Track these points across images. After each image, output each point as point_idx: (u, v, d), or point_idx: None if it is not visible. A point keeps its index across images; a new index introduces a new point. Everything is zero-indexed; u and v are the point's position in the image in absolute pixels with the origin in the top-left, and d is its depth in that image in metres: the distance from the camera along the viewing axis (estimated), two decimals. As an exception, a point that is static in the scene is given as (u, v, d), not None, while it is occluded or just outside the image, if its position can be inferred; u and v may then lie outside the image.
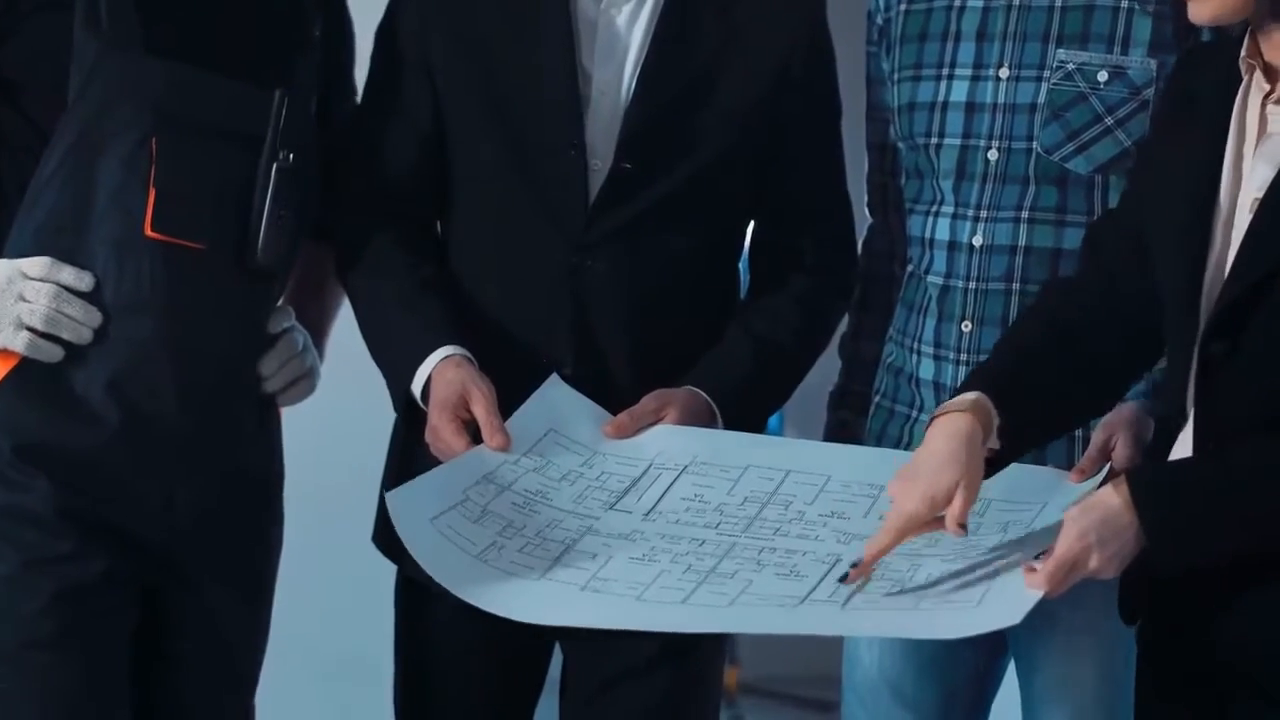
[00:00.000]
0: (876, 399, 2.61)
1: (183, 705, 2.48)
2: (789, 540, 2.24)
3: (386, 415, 2.58)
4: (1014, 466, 2.33)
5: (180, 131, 2.36)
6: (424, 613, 2.56)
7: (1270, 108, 2.11)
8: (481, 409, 2.38)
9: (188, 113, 2.36)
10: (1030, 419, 2.19)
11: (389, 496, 2.28)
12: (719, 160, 2.50)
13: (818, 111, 2.57)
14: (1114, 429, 2.31)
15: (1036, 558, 2.08)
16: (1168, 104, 2.28)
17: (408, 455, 2.52)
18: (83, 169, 2.35)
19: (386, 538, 2.53)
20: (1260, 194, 2.08)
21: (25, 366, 2.36)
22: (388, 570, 2.60)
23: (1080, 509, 2.06)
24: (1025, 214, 2.45)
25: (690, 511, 2.31)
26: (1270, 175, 2.08)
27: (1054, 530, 2.09)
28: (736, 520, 2.29)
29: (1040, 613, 2.05)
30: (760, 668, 4.66)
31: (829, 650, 4.27)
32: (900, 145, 2.58)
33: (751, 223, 2.63)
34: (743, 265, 2.65)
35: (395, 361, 2.49)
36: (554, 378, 2.47)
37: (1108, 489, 2.06)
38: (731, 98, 2.50)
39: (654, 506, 2.33)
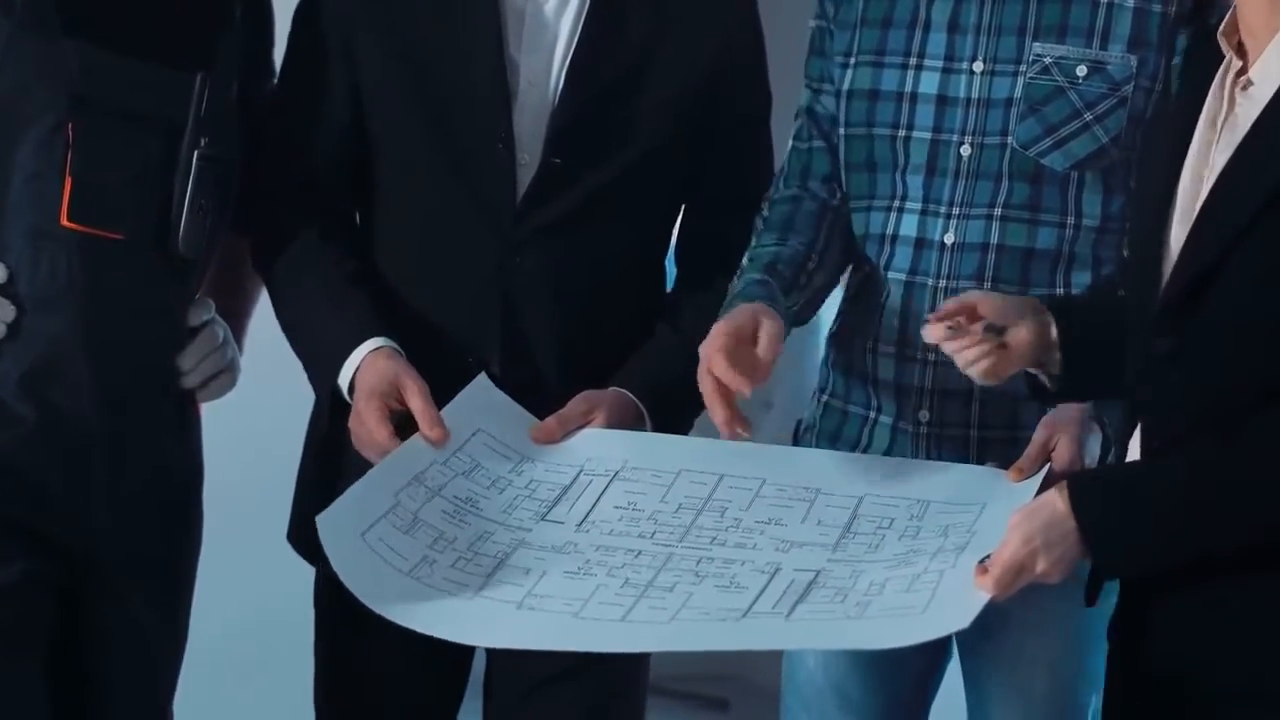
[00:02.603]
0: (824, 398, 2.53)
1: (101, 711, 2.41)
2: (726, 550, 2.20)
3: (302, 409, 2.54)
4: (951, 466, 2.34)
5: (97, 116, 2.29)
6: (345, 613, 2.44)
7: (1238, 91, 2.05)
8: (419, 400, 2.33)
9: (105, 96, 2.29)
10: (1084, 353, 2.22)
11: (320, 520, 2.21)
12: (651, 153, 2.46)
13: (749, 101, 2.53)
14: (1055, 428, 2.27)
15: (982, 561, 2.06)
16: (1166, 105, 2.23)
17: (327, 451, 2.48)
18: None
19: (303, 536, 2.51)
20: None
21: None
22: (304, 568, 2.54)
23: (1025, 512, 2.04)
24: (998, 211, 2.37)
25: (624, 521, 2.26)
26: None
27: (998, 534, 2.07)
28: (672, 529, 2.24)
29: (990, 612, 2.05)
30: (657, 666, 4.61)
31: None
32: (847, 133, 2.46)
33: (679, 216, 2.58)
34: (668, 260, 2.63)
35: (321, 354, 2.44)
36: (482, 377, 2.41)
37: (1052, 493, 2.04)
38: (663, 89, 2.45)
39: (586, 516, 2.28)
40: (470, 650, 2.55)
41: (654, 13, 2.45)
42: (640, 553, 2.20)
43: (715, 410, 2.23)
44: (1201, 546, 2.00)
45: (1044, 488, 2.15)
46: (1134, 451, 2.09)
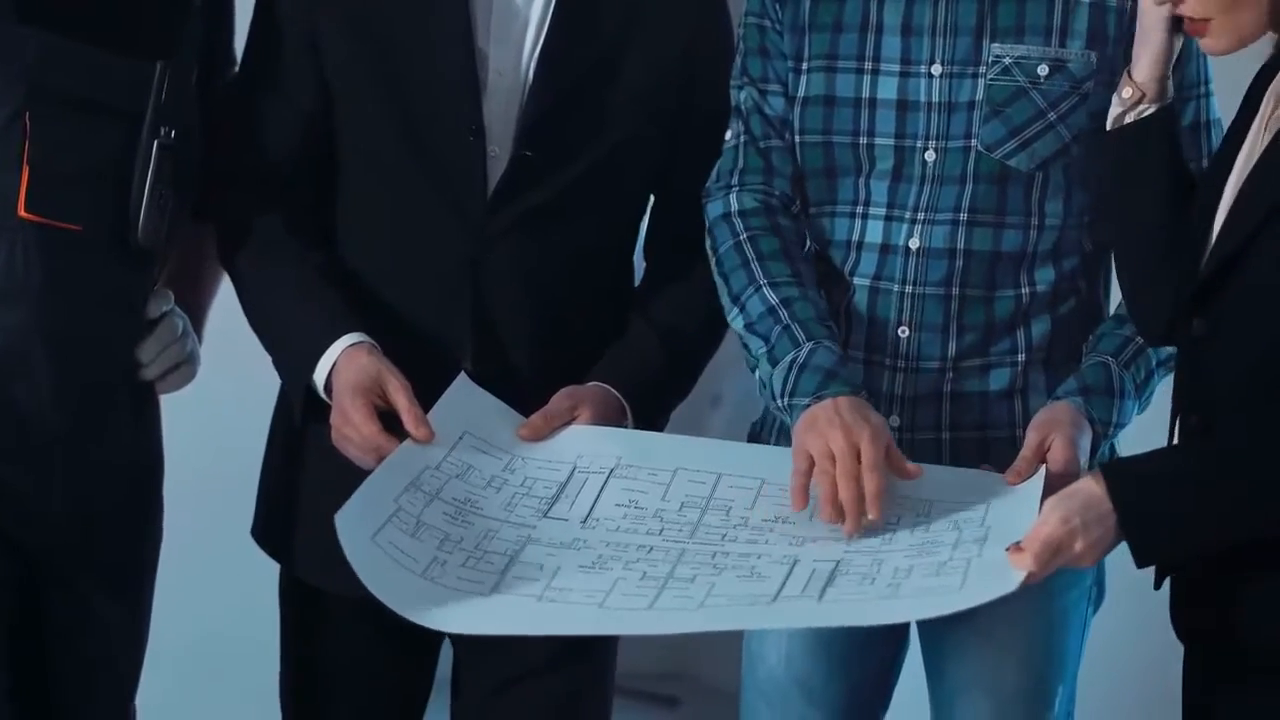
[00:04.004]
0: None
1: (65, 707, 2.37)
2: (739, 545, 2.19)
3: (266, 402, 2.53)
4: (946, 469, 2.33)
5: (55, 105, 2.24)
6: (314, 612, 2.50)
7: None
8: (404, 398, 2.30)
9: (63, 85, 2.25)
10: None
11: (338, 519, 2.15)
12: (624, 145, 2.45)
13: (720, 93, 2.49)
14: (1049, 429, 2.27)
15: (1008, 549, 2.07)
16: (1239, 112, 2.24)
17: (294, 446, 2.45)
18: None
19: (267, 533, 2.51)
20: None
21: None
22: (263, 568, 2.53)
23: (1063, 494, 2.07)
24: (964, 216, 2.37)
25: (629, 519, 2.25)
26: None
27: (1012, 528, 2.10)
28: (679, 526, 2.23)
29: None
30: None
31: (677, 647, 4.22)
32: (803, 140, 2.43)
33: (648, 208, 2.57)
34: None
35: (294, 350, 2.40)
36: (462, 377, 2.39)
37: (1089, 478, 2.08)
38: (635, 81, 2.44)
39: (590, 513, 2.26)
40: (437, 648, 2.53)
41: (624, 4, 2.43)
42: (653, 548, 2.20)
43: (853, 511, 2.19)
44: (1238, 534, 2.04)
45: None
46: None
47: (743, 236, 2.41)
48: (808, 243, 2.46)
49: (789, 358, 2.31)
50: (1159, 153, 2.22)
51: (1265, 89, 2.13)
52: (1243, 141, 2.12)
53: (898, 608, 2.06)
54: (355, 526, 2.15)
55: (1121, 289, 2.34)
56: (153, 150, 2.30)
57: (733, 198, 2.44)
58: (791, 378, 2.30)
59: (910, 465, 2.23)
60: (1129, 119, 2.22)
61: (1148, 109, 2.22)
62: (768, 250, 2.40)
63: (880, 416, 2.26)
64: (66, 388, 2.29)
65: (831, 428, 2.22)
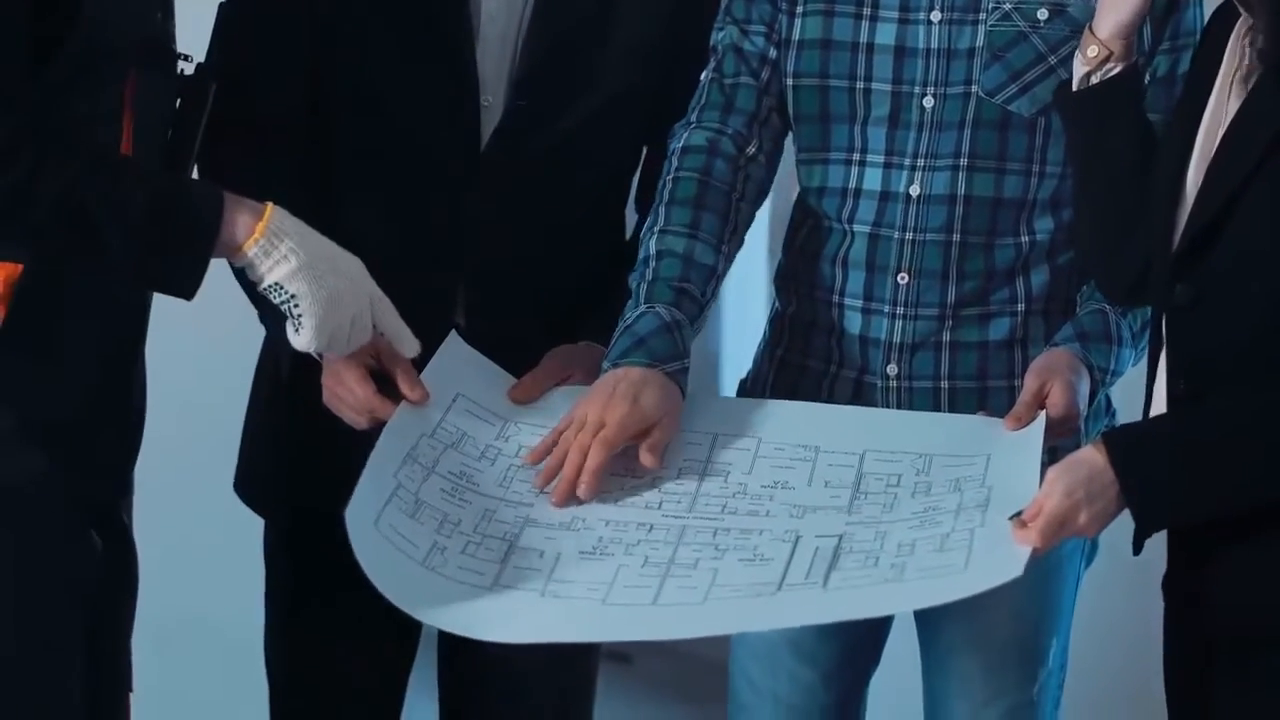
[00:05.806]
0: (778, 352, 2.49)
1: (106, 646, 2.30)
2: (739, 518, 2.16)
3: (248, 356, 2.53)
4: (946, 416, 2.33)
5: (153, 54, 2.20)
6: (302, 570, 2.49)
7: (1247, 45, 2.07)
8: (398, 359, 2.26)
9: (155, 36, 2.21)
10: None
11: (347, 515, 2.10)
12: (618, 96, 2.43)
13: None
14: (1048, 375, 2.26)
15: (1011, 518, 2.04)
16: (1196, 61, 2.21)
17: (278, 400, 2.45)
18: None
19: (250, 486, 2.51)
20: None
21: None
22: (232, 526, 2.52)
23: (1064, 466, 2.05)
24: (964, 161, 2.35)
25: (626, 489, 2.21)
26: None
27: (1014, 486, 2.08)
28: (678, 498, 2.20)
29: None
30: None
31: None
32: (796, 83, 2.40)
33: (640, 162, 2.54)
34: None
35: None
36: (453, 336, 2.36)
37: (1090, 448, 2.05)
38: (630, 31, 2.42)
39: None
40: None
41: None
42: (652, 526, 2.16)
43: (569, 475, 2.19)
44: (1240, 499, 2.03)
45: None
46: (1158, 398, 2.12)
47: (670, 176, 2.40)
48: (744, 189, 2.42)
49: (624, 319, 2.30)
50: (1127, 113, 2.20)
51: (1225, 33, 2.10)
52: (1207, 94, 2.09)
53: (903, 595, 2.02)
54: (359, 516, 2.10)
55: (1079, 249, 2.34)
56: (209, 95, 2.25)
57: (686, 134, 2.42)
58: (615, 338, 2.29)
59: (648, 462, 2.20)
60: (1095, 79, 2.20)
61: (1114, 68, 2.19)
62: (681, 195, 2.37)
63: (667, 403, 2.23)
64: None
65: (598, 395, 2.21)
